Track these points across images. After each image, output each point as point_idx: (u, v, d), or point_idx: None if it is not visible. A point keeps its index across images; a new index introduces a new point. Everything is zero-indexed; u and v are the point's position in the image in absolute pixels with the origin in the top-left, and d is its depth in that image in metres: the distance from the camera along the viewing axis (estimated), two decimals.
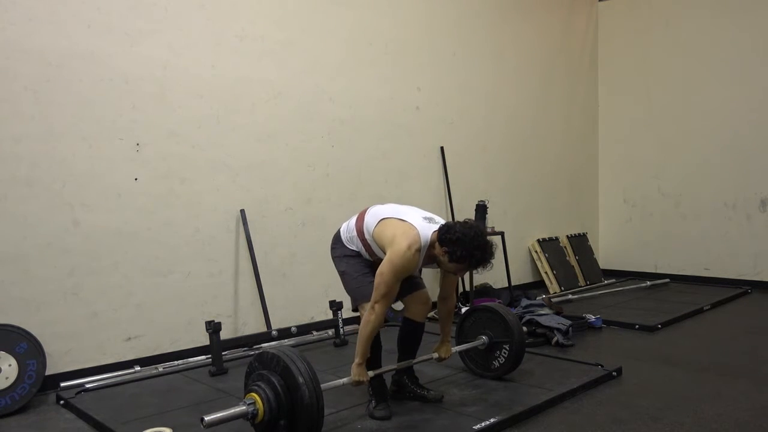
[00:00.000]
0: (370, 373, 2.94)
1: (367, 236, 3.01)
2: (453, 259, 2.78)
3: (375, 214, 3.02)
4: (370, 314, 2.83)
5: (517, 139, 6.46)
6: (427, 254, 2.88)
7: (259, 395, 2.49)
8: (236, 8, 4.28)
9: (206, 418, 2.37)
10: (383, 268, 2.80)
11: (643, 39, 7.10)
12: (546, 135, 6.82)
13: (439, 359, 3.29)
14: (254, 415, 2.48)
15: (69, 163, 3.58)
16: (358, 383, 2.90)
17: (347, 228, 3.13)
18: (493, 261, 2.83)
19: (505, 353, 3.47)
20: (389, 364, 3.12)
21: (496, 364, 3.50)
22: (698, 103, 6.70)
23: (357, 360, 2.89)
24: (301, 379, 2.45)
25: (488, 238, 2.84)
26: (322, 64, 4.77)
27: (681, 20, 6.81)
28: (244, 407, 2.48)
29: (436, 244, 2.84)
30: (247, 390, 2.57)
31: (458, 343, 3.57)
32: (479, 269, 2.83)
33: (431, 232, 2.86)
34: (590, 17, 7.43)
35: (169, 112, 3.97)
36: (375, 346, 3.03)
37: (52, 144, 3.52)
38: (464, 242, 2.73)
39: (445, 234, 2.79)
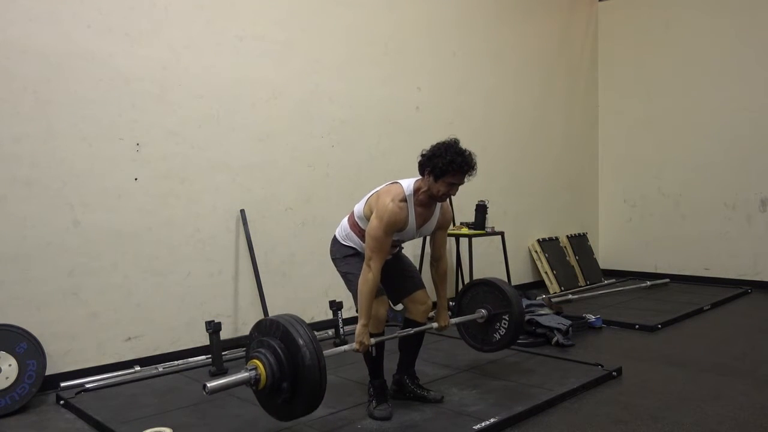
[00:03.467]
0: (372, 340, 2.91)
1: (359, 222, 3.02)
2: (437, 176, 2.81)
3: (361, 201, 3.08)
4: (366, 272, 2.84)
5: (517, 139, 6.46)
6: (418, 201, 2.91)
7: (261, 360, 2.47)
8: (236, 8, 4.28)
9: (208, 385, 2.36)
10: (372, 224, 2.84)
11: (643, 39, 7.11)
12: (546, 135, 6.82)
13: (439, 328, 3.25)
14: (257, 380, 2.45)
15: (69, 163, 3.58)
16: (361, 345, 2.86)
17: (341, 227, 3.17)
18: (476, 168, 2.89)
19: (505, 324, 3.44)
20: (390, 359, 3.12)
21: (497, 336, 3.48)
22: (698, 103, 6.70)
23: (361, 321, 2.87)
24: (300, 341, 2.44)
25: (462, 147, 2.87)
26: (322, 64, 4.77)
27: (681, 20, 6.81)
28: (246, 373, 2.46)
29: (420, 180, 2.90)
30: (248, 358, 2.56)
31: (457, 325, 3.57)
32: (467, 176, 2.88)
33: (413, 181, 2.94)
34: (590, 17, 7.43)
35: (170, 112, 3.97)
36: (378, 349, 3.04)
37: (52, 144, 3.52)
38: (440, 153, 2.80)
39: (420, 160, 2.87)
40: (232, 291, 4.28)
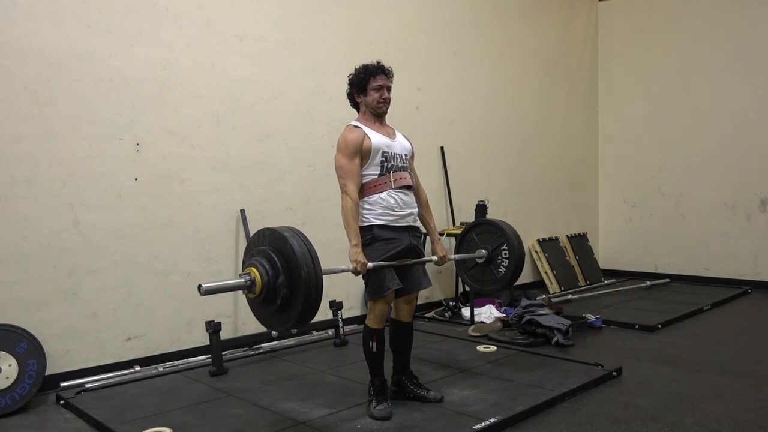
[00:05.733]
0: (370, 265, 2.87)
1: (358, 181, 2.99)
2: (362, 89, 3.06)
3: None
4: (344, 198, 2.92)
5: (517, 139, 6.46)
6: (366, 120, 3.08)
7: (254, 266, 2.47)
8: (236, 8, 4.28)
9: (204, 285, 2.36)
10: (336, 157, 2.99)
11: (642, 39, 7.11)
12: (546, 135, 6.82)
13: (439, 260, 3.27)
14: (252, 282, 2.44)
15: (69, 163, 3.58)
16: (358, 265, 2.83)
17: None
18: (389, 67, 3.11)
19: (505, 254, 3.47)
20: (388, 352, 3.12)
21: (501, 270, 3.51)
22: (698, 103, 6.70)
23: (352, 242, 2.88)
24: (287, 233, 2.44)
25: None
26: (322, 64, 4.77)
27: (680, 20, 6.81)
28: (242, 279, 2.46)
29: (358, 101, 3.11)
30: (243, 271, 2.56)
31: (458, 273, 3.62)
32: (388, 77, 3.09)
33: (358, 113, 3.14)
34: (590, 17, 7.43)
35: (170, 112, 3.97)
36: (379, 345, 3.04)
37: (52, 144, 3.52)
38: (353, 73, 3.09)
39: (347, 92, 3.14)
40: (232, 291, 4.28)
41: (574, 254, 6.85)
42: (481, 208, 5.53)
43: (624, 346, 4.28)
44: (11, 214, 3.39)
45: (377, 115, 3.11)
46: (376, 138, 3.01)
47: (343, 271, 2.85)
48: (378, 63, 3.10)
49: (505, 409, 2.97)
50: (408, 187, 3.10)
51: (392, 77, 3.13)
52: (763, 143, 6.27)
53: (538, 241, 6.60)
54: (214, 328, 3.78)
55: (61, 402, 3.30)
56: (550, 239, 6.74)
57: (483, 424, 2.77)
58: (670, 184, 6.95)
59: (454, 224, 5.59)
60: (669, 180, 6.95)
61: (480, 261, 3.55)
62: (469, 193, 5.80)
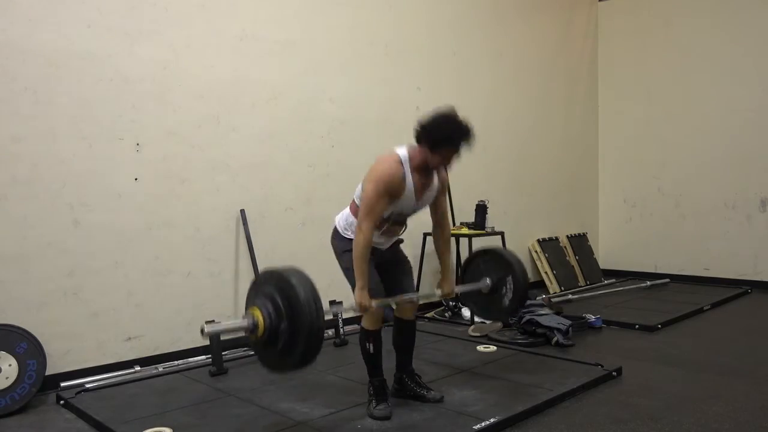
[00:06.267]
0: (374, 303, 2.87)
1: (357, 201, 2.98)
2: (434, 147, 2.78)
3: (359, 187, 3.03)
4: (358, 235, 2.81)
5: (517, 139, 6.46)
6: (414, 167, 2.86)
7: (257, 306, 2.45)
8: (236, 8, 4.28)
9: (206, 329, 2.35)
10: (366, 186, 2.82)
11: (643, 39, 7.11)
12: (546, 135, 6.82)
13: (443, 295, 3.25)
14: (255, 325, 2.42)
15: (69, 163, 3.58)
16: (362, 307, 2.83)
17: (342, 216, 3.11)
18: (474, 139, 2.86)
19: (510, 286, 3.44)
20: (391, 375, 3.12)
21: (506, 301, 3.49)
22: (698, 103, 6.70)
23: (359, 284, 2.84)
24: (293, 280, 2.42)
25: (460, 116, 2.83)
26: (323, 64, 4.76)
27: (681, 20, 6.81)
28: (245, 321, 2.44)
29: (417, 147, 2.85)
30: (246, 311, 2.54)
31: (464, 298, 3.61)
32: (465, 145, 2.83)
33: (408, 146, 2.89)
34: (590, 17, 7.43)
35: (170, 112, 3.97)
36: (376, 346, 3.04)
37: (52, 144, 3.52)
38: (438, 124, 2.76)
39: (418, 130, 2.81)
40: (232, 291, 4.28)
41: (574, 254, 6.85)
42: (481, 209, 5.53)
43: (624, 346, 4.28)
44: (11, 214, 3.39)
45: (429, 170, 2.92)
46: (408, 190, 2.87)
47: (345, 311, 2.89)
48: (465, 131, 2.82)
49: (505, 409, 2.97)
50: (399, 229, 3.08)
51: (470, 148, 2.89)
52: (764, 143, 6.27)
53: (538, 241, 6.60)
54: None
55: (61, 402, 3.30)
56: (550, 239, 6.74)
57: (483, 424, 2.77)
58: (670, 184, 6.95)
59: (454, 224, 5.59)
60: (669, 180, 6.95)
61: (485, 291, 3.52)
62: (469, 194, 5.79)
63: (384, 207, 2.84)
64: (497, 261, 3.51)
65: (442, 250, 3.23)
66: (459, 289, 3.50)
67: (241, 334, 2.48)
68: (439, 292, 3.24)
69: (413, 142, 2.90)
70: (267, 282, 2.54)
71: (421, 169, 2.89)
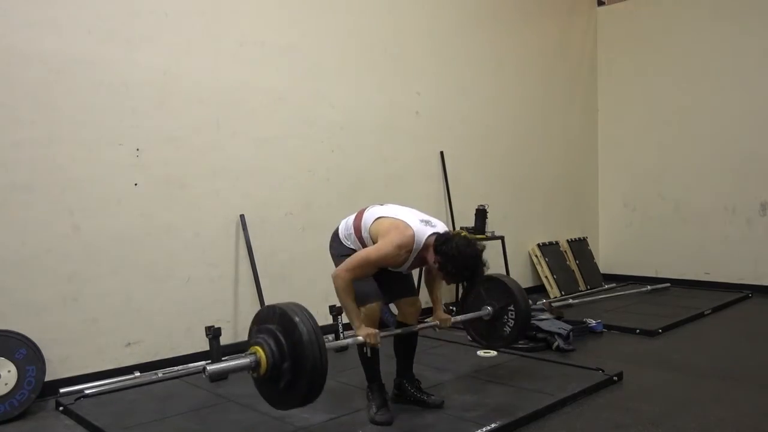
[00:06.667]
0: (382, 334, 2.89)
1: (364, 233, 3.02)
2: (443, 270, 2.87)
3: (373, 213, 3.05)
4: (336, 279, 2.85)
5: (516, 143, 6.46)
6: (418, 256, 2.94)
7: (260, 345, 2.44)
8: (236, 14, 4.29)
9: (208, 369, 2.34)
10: (369, 251, 2.87)
11: (642, 44, 7.12)
12: (546, 139, 6.82)
13: (442, 327, 3.26)
14: (257, 364, 2.41)
15: (69, 169, 3.58)
16: (371, 339, 2.84)
17: (345, 225, 3.15)
18: (483, 276, 2.96)
19: (512, 315, 3.45)
20: (392, 378, 3.11)
21: (507, 329, 3.49)
22: (698, 108, 6.70)
23: (355, 324, 2.88)
24: (297, 319, 2.40)
25: (483, 258, 2.91)
26: (322, 69, 4.77)
27: (680, 25, 6.82)
28: (247, 359, 2.42)
29: (431, 249, 2.89)
30: (248, 347, 2.53)
31: (464, 324, 3.62)
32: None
33: (426, 236, 2.91)
34: (589, 22, 7.44)
35: (169, 117, 3.98)
36: (373, 350, 3.03)
37: (51, 149, 3.52)
38: (458, 260, 2.81)
39: (442, 245, 2.85)
40: (232, 296, 4.28)
41: (574, 258, 6.84)
42: (481, 213, 5.53)
43: (625, 350, 4.27)
44: (11, 219, 3.39)
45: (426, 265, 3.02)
46: (403, 267, 2.98)
47: (349, 345, 2.92)
48: (477, 274, 2.92)
49: (505, 414, 2.96)
50: None
51: None
52: (763, 147, 6.27)
53: (539, 245, 6.60)
54: (213, 333, 3.77)
55: (61, 408, 3.29)
56: (551, 243, 6.74)
57: (484, 429, 2.77)
58: (670, 188, 6.95)
59: (454, 229, 5.59)
60: (669, 184, 6.95)
61: (486, 318, 3.52)
62: (469, 198, 5.79)
63: (373, 272, 2.93)
64: (500, 289, 3.49)
65: (433, 285, 3.28)
66: (461, 318, 3.51)
67: (246, 370, 2.47)
68: (436, 322, 3.25)
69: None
70: (269, 319, 2.52)
71: (423, 259, 2.98)
